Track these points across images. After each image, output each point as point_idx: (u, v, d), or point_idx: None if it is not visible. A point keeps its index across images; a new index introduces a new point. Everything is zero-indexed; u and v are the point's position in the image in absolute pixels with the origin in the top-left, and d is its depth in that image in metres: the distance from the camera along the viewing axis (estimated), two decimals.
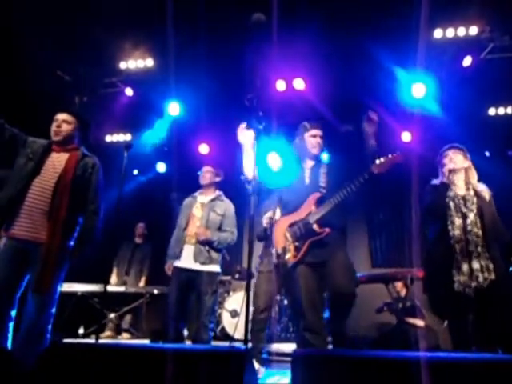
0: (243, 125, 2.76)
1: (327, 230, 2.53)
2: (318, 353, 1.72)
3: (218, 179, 3.58)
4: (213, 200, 3.48)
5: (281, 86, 5.06)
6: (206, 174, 3.54)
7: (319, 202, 2.61)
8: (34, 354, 2.10)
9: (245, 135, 2.76)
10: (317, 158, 2.83)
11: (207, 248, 3.26)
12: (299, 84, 5.07)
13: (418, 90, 4.80)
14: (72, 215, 2.47)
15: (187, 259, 3.26)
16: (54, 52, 4.69)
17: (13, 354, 2.07)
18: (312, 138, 2.80)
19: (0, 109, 2.53)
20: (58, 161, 2.54)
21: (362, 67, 4.69)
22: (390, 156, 2.50)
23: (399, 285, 4.62)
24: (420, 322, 4.23)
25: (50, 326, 2.35)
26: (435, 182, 2.78)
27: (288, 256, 2.62)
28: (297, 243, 2.60)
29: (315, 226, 2.56)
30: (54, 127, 2.59)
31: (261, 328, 3.32)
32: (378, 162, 2.49)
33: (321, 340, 2.46)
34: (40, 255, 2.33)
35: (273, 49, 4.07)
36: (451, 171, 2.67)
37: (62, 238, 2.40)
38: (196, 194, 3.58)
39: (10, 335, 2.30)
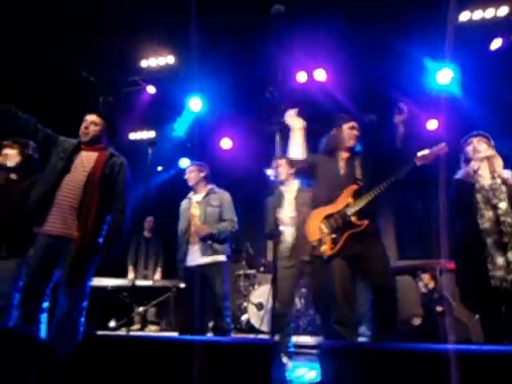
0: (292, 111, 2.74)
1: (366, 222, 2.51)
2: (346, 345, 1.72)
3: (203, 174, 3.59)
4: (206, 195, 3.53)
5: (302, 77, 5.02)
6: (191, 174, 3.58)
7: (356, 195, 2.58)
8: (68, 346, 2.18)
9: (294, 119, 2.74)
10: (352, 150, 2.79)
11: (210, 242, 3.34)
12: (320, 75, 5.01)
13: (443, 75, 4.66)
14: (101, 213, 2.54)
15: (195, 257, 3.36)
16: (79, 54, 4.81)
17: (48, 344, 2.16)
18: (350, 130, 2.78)
19: (30, 110, 2.62)
20: (87, 160, 2.61)
21: (385, 54, 4.59)
22: (434, 148, 2.44)
23: (427, 277, 4.53)
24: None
25: (82, 319, 2.43)
26: (459, 174, 2.70)
27: (324, 248, 2.59)
28: (334, 235, 2.58)
29: (353, 219, 2.54)
30: (82, 128, 2.67)
31: (287, 321, 3.33)
32: (420, 154, 2.44)
33: (351, 333, 2.45)
34: (71, 250, 2.41)
35: (294, 40, 4.04)
36: (475, 160, 2.59)
37: (92, 234, 2.48)
38: (190, 194, 3.64)
39: (43, 326, 2.40)
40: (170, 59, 5.35)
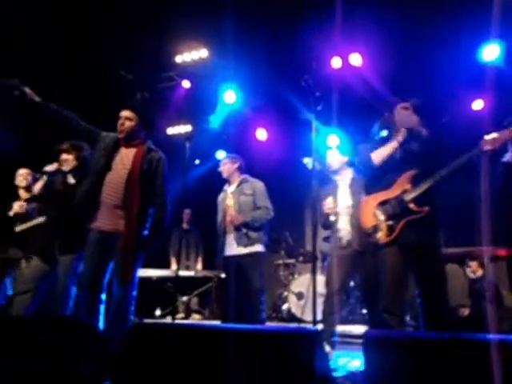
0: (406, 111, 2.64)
1: (426, 208, 2.40)
2: (391, 334, 1.69)
3: (236, 165, 3.63)
4: (239, 185, 3.57)
5: (337, 63, 4.90)
6: (224, 167, 3.64)
7: (415, 180, 2.47)
8: (119, 334, 2.30)
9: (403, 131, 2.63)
10: (409, 133, 2.65)
11: (245, 231, 3.37)
12: (356, 59, 4.88)
13: (489, 52, 4.40)
14: (144, 207, 2.62)
15: (231, 246, 3.42)
16: (117, 53, 4.97)
17: (105, 334, 2.29)
18: (403, 110, 2.67)
19: (73, 110, 2.73)
20: (126, 156, 2.68)
21: (424, 34, 4.38)
22: (504, 131, 2.29)
23: (474, 264, 4.35)
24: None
25: (132, 308, 2.55)
26: (506, 158, 2.54)
27: (379, 235, 2.52)
28: (390, 222, 2.49)
29: (412, 205, 2.44)
30: (118, 125, 2.72)
31: (332, 311, 3.31)
32: (489, 137, 2.28)
33: (399, 322, 2.40)
34: (119, 244, 2.52)
35: (328, 25, 3.95)
36: None
37: (137, 228, 2.57)
38: (225, 187, 3.69)
39: (101, 317, 2.54)
40: (203, 53, 5.40)
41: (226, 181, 3.73)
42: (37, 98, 2.51)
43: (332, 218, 3.22)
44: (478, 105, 5.00)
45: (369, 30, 4.37)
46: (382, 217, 2.53)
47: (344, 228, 3.23)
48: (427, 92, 2.77)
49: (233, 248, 3.42)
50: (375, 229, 2.55)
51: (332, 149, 3.46)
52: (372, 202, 2.61)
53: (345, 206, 3.27)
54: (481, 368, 1.31)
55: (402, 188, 2.49)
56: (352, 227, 3.18)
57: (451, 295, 4.51)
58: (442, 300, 2.42)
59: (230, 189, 3.64)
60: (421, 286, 2.46)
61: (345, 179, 3.36)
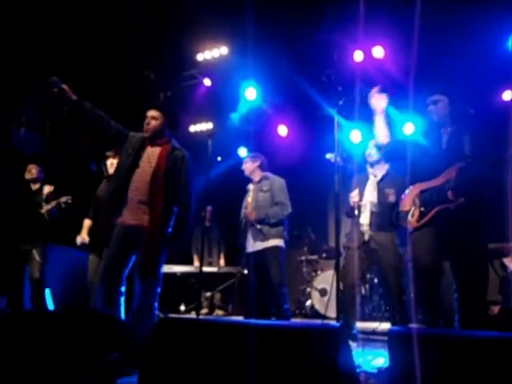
0: (376, 89, 2.67)
1: (462, 199, 2.33)
2: (414, 331, 1.67)
3: (257, 163, 3.68)
4: (259, 182, 3.62)
5: (358, 56, 4.83)
6: (246, 165, 3.72)
7: (462, 172, 2.40)
8: (144, 329, 2.36)
9: (377, 99, 2.66)
10: (457, 124, 2.58)
11: (259, 227, 3.41)
12: (378, 52, 4.79)
13: None
14: (168, 205, 2.67)
15: (250, 242, 3.51)
16: (139, 52, 5.05)
17: (130, 328, 2.35)
18: (432, 105, 2.62)
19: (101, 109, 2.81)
20: (152, 155, 2.73)
21: (449, 23, 4.26)
22: None
23: (508, 259, 4.22)
24: None
25: (156, 304, 2.60)
26: None
27: (410, 219, 2.52)
28: (423, 208, 2.48)
29: (449, 193, 2.38)
30: (144, 124, 2.77)
31: (352, 304, 3.29)
32: None
33: (431, 312, 2.42)
34: (143, 239, 2.58)
35: (350, 18, 3.89)
36: None
37: (161, 226, 2.62)
38: (248, 186, 3.75)
39: (122, 309, 2.61)
40: (223, 50, 5.42)
41: (248, 177, 3.76)
42: (73, 96, 2.59)
43: (356, 212, 3.19)
44: (507, 95, 4.83)
45: (391, 21, 4.28)
46: (418, 203, 2.53)
47: (364, 223, 3.20)
48: (453, 83, 2.69)
49: (250, 244, 3.50)
50: (407, 213, 2.55)
51: (374, 140, 3.41)
52: (416, 189, 2.59)
53: (369, 201, 3.23)
54: (508, 367, 1.28)
55: (447, 178, 2.45)
56: (371, 224, 3.15)
57: None
58: (479, 298, 2.36)
59: (252, 186, 3.69)
60: (457, 282, 2.42)
61: (377, 174, 3.30)
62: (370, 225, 3.16)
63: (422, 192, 2.54)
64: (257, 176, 3.68)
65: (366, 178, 3.32)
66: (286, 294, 3.36)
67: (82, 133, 4.76)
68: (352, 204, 3.24)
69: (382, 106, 2.66)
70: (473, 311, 2.35)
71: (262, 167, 3.70)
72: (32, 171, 4.14)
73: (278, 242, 3.42)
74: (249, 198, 3.63)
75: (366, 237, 3.17)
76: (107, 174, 3.65)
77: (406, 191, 2.67)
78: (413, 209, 2.53)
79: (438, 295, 2.44)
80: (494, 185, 2.40)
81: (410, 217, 2.52)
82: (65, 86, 2.55)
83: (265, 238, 3.40)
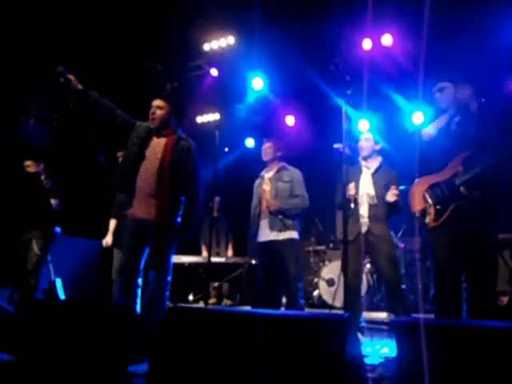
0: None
1: (477, 193, 2.31)
2: (422, 321, 1.67)
3: (279, 153, 3.56)
4: (278, 171, 3.52)
5: (367, 44, 4.76)
6: (268, 150, 3.55)
7: (468, 162, 2.37)
8: (156, 318, 2.40)
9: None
10: (464, 111, 2.54)
11: (280, 217, 3.34)
12: (387, 40, 4.71)
13: None
14: (175, 195, 2.68)
15: (264, 231, 3.39)
16: (145, 43, 5.04)
17: (141, 318, 2.39)
18: (438, 93, 2.61)
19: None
20: (158, 146, 2.73)
21: (459, 11, 4.17)
22: None
23: None
24: None
25: (167, 293, 2.64)
26: None
27: (427, 220, 2.47)
28: (438, 206, 2.42)
29: (462, 189, 2.35)
30: (150, 114, 2.76)
31: (356, 296, 3.30)
32: None
33: (448, 309, 2.36)
34: (152, 231, 2.60)
35: (358, 6, 3.83)
36: None
37: (168, 217, 2.63)
38: (262, 173, 3.63)
39: (138, 300, 2.64)
40: (230, 40, 5.37)
41: (258, 166, 3.70)
42: (80, 86, 2.60)
43: (352, 205, 3.18)
44: None
45: (399, 10, 4.21)
46: (430, 200, 2.47)
47: (363, 215, 3.19)
48: (463, 71, 2.64)
49: (266, 233, 3.39)
50: (424, 213, 2.49)
51: (366, 133, 3.38)
52: (422, 184, 2.54)
53: (365, 193, 3.23)
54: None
55: (454, 171, 2.40)
56: (370, 216, 3.15)
57: None
58: (489, 289, 2.33)
59: (267, 174, 3.59)
60: (467, 272, 2.38)
61: (371, 167, 3.31)
62: (369, 217, 3.16)
63: (430, 187, 2.47)
64: (274, 164, 3.57)
65: (359, 171, 3.31)
66: (301, 288, 3.35)
67: (89, 125, 4.79)
68: (348, 196, 3.22)
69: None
70: (482, 302, 2.33)
71: (281, 158, 3.61)
72: (30, 168, 4.06)
73: (294, 235, 3.38)
74: (265, 186, 3.52)
75: (364, 228, 3.17)
76: None
77: (412, 188, 2.61)
78: (428, 207, 2.47)
79: (452, 297, 2.38)
80: (506, 173, 2.35)
81: (427, 217, 2.47)
82: (71, 76, 2.55)
83: (283, 228, 3.33)
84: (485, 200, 2.32)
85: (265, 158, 3.59)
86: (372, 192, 3.20)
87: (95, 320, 1.92)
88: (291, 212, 3.38)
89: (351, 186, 3.19)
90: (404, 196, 2.97)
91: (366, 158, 3.32)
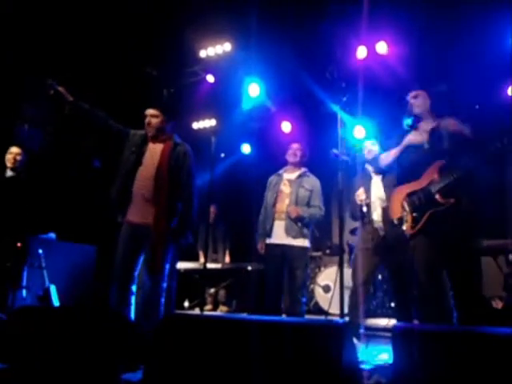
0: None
1: (452, 200, 2.34)
2: (418, 327, 1.67)
3: (304, 158, 3.57)
4: (300, 176, 3.50)
5: (362, 52, 4.80)
6: (297, 152, 3.53)
7: (443, 170, 2.41)
8: (150, 324, 2.38)
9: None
10: (437, 120, 2.60)
11: (299, 224, 3.32)
12: (382, 48, 4.75)
13: None
14: (172, 202, 2.68)
15: (279, 235, 3.34)
16: (141, 49, 5.05)
17: (136, 325, 2.37)
18: (413, 99, 2.65)
19: (99, 107, 2.81)
20: (154, 152, 2.75)
21: (453, 19, 4.22)
22: None
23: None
24: None
25: (162, 300, 2.63)
26: None
27: (405, 227, 2.51)
28: (415, 214, 2.47)
29: (437, 196, 2.39)
30: (146, 123, 2.80)
31: (359, 303, 3.30)
32: None
33: (435, 313, 2.37)
34: (150, 237, 2.59)
35: (353, 14, 3.87)
36: None
37: (166, 222, 2.63)
38: (281, 171, 3.60)
39: (132, 307, 2.63)
40: (226, 46, 5.40)
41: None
42: (70, 98, 2.61)
43: (364, 209, 3.19)
44: (510, 91, 4.79)
45: (394, 18, 4.25)
46: (408, 208, 2.51)
47: (378, 220, 3.20)
48: (456, 80, 2.68)
49: (281, 236, 3.34)
50: (401, 221, 2.54)
51: (372, 140, 3.41)
52: (401, 193, 2.59)
53: (377, 198, 3.24)
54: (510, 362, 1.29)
55: (430, 179, 2.45)
56: (383, 220, 3.15)
57: (485, 288, 4.39)
58: (475, 294, 2.36)
59: (286, 175, 3.55)
60: (453, 280, 2.41)
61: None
62: (384, 221, 3.16)
63: (408, 196, 2.52)
64: (296, 169, 3.54)
65: (368, 177, 3.33)
66: (306, 296, 3.35)
67: (84, 131, 4.77)
68: (359, 203, 3.23)
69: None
70: (470, 308, 2.35)
71: (304, 163, 3.59)
72: (18, 156, 3.84)
73: (307, 243, 3.38)
74: (284, 188, 3.46)
75: (381, 232, 3.17)
76: None
77: (392, 197, 2.66)
78: (405, 215, 2.52)
79: (435, 304, 2.41)
80: (490, 180, 2.39)
81: (404, 224, 2.51)
82: (61, 89, 2.57)
83: (299, 235, 3.31)
84: (460, 207, 2.36)
85: (292, 159, 3.55)
86: (383, 195, 3.21)
87: (89, 327, 1.90)
88: (308, 221, 3.37)
89: (360, 192, 3.21)
90: None
91: (372, 163, 3.34)
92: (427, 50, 4.51)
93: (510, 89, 4.78)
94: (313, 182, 3.49)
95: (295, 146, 3.57)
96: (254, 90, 5.57)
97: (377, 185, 3.28)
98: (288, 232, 3.30)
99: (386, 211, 3.12)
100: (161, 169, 2.68)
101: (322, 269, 5.43)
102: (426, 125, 2.60)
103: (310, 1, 4.34)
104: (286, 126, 6.06)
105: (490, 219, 5.63)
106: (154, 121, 2.77)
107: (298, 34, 4.72)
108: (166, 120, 2.82)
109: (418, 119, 2.60)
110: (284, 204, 3.38)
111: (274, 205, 3.42)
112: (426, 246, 2.43)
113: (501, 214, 5.45)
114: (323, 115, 5.07)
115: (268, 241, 3.40)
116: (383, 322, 4.28)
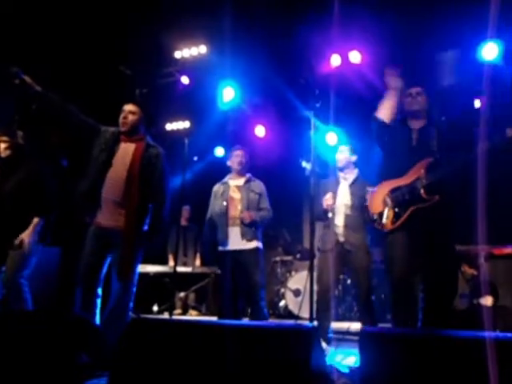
0: (391, 70, 2.64)
1: (436, 197, 2.34)
2: (385, 331, 1.71)
3: (247, 164, 3.59)
4: (247, 181, 3.55)
5: (335, 60, 4.89)
6: (241, 158, 3.54)
7: (430, 168, 2.40)
8: (118, 329, 2.31)
9: (393, 79, 2.62)
10: (427, 119, 2.60)
11: (253, 228, 3.39)
12: (355, 57, 4.87)
13: (488, 51, 4.39)
14: (143, 203, 2.63)
15: (234, 240, 3.38)
16: (116, 48, 4.95)
17: (101, 330, 2.30)
18: (405, 98, 2.63)
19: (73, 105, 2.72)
20: (126, 152, 2.69)
21: (424, 30, 4.38)
22: None
23: (466, 267, 4.34)
24: (489, 302, 3.98)
25: (131, 304, 2.57)
26: None
27: (385, 222, 2.48)
28: (397, 209, 2.44)
29: (422, 192, 2.38)
30: (121, 118, 2.74)
31: (326, 307, 3.33)
32: None
33: (409, 316, 2.38)
34: (119, 241, 2.53)
35: (327, 22, 3.94)
36: None
37: (137, 225, 2.58)
38: (225, 179, 3.60)
39: (97, 311, 2.55)
40: (202, 49, 5.38)
41: (224, 175, 3.68)
42: (37, 87, 2.50)
43: (329, 214, 3.24)
44: (477, 103, 4.99)
45: (368, 27, 4.36)
46: (390, 203, 2.49)
47: (340, 225, 3.26)
48: (429, 87, 2.75)
49: (237, 242, 3.36)
50: (381, 215, 2.51)
51: (343, 146, 3.47)
52: (385, 188, 2.56)
53: (342, 204, 3.30)
54: (475, 364, 1.33)
55: (417, 175, 2.44)
56: (346, 226, 3.22)
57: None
58: (447, 298, 2.37)
59: (233, 182, 3.57)
60: (427, 281, 2.41)
61: (348, 178, 3.40)
62: (345, 226, 3.22)
63: (391, 191, 2.51)
64: (242, 175, 3.57)
65: (336, 182, 3.39)
66: (264, 297, 3.36)
67: (52, 128, 4.62)
68: (325, 207, 3.28)
69: (395, 84, 2.61)
70: (440, 311, 2.38)
71: (247, 168, 3.62)
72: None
73: (260, 244, 3.43)
74: (234, 194, 3.49)
75: (341, 238, 3.23)
76: None
77: (371, 190, 2.65)
78: (386, 210, 2.50)
79: (408, 302, 2.41)
80: (462, 184, 2.43)
81: (384, 219, 2.48)
82: (26, 78, 2.47)
83: (253, 238, 3.36)
84: (444, 205, 2.37)
85: (237, 166, 3.54)
86: (349, 202, 3.27)
87: (50, 332, 1.82)
88: (260, 224, 3.44)
89: (328, 196, 3.25)
90: None
91: (342, 170, 3.41)
92: (398, 60, 4.64)
93: (475, 101, 4.99)
94: (260, 186, 3.56)
95: (239, 152, 3.58)
96: (228, 94, 5.57)
97: (344, 191, 3.34)
98: (244, 236, 3.36)
99: (351, 219, 3.20)
100: (132, 170, 2.62)
101: (293, 273, 5.46)
102: (417, 123, 2.59)
103: (286, 7, 4.39)
104: (260, 131, 6.09)
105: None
106: (131, 117, 2.72)
107: (273, 38, 4.78)
108: (142, 118, 2.78)
109: (413, 115, 2.58)
110: (237, 210, 3.42)
111: (226, 212, 3.44)
112: (403, 243, 2.40)
113: (465, 220, 5.66)
114: (297, 120, 5.12)
115: (221, 248, 3.41)
116: (352, 325, 4.34)
